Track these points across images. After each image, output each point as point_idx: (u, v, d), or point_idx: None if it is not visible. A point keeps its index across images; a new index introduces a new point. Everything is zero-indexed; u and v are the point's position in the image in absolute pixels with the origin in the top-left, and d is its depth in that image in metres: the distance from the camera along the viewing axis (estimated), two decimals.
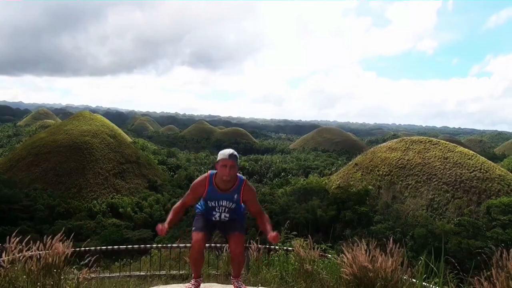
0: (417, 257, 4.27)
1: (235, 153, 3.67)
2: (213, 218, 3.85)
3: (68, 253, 4.08)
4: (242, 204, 3.85)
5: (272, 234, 3.59)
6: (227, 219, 3.83)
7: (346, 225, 44.17)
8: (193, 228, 3.85)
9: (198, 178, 3.85)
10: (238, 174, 3.77)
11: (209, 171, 3.83)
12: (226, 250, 5.74)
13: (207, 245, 6.38)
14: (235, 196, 3.74)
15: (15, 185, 54.25)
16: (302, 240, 5.81)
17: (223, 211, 3.79)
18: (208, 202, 3.81)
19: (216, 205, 3.78)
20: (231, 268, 4.18)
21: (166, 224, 3.68)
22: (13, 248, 3.97)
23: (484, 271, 3.39)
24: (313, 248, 4.84)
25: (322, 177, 68.18)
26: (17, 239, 4.03)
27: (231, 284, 4.05)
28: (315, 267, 4.62)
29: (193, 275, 3.99)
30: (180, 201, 3.91)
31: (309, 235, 5.02)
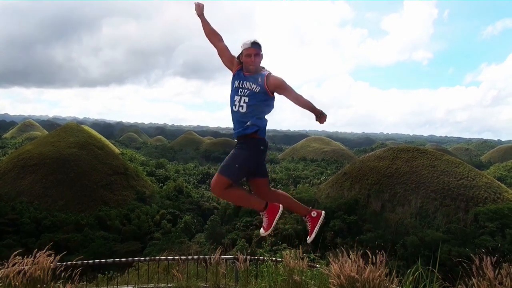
0: (408, 266, 4.29)
1: (258, 40, 3.68)
2: (233, 108, 3.78)
3: (54, 268, 4.03)
4: (268, 93, 3.68)
5: (320, 116, 3.76)
6: (244, 107, 3.69)
7: (336, 235, 44.24)
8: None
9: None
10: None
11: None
12: (214, 261, 5.68)
13: (195, 256, 6.35)
14: (259, 79, 3.64)
15: (0, 199, 53.36)
16: (290, 251, 5.81)
17: (243, 94, 3.67)
18: (234, 82, 3.77)
19: (240, 86, 3.72)
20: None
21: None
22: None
23: (467, 279, 3.43)
24: (302, 259, 4.84)
25: (311, 186, 68.32)
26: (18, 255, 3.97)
27: None
28: (304, 277, 4.62)
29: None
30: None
31: (298, 246, 5.02)
